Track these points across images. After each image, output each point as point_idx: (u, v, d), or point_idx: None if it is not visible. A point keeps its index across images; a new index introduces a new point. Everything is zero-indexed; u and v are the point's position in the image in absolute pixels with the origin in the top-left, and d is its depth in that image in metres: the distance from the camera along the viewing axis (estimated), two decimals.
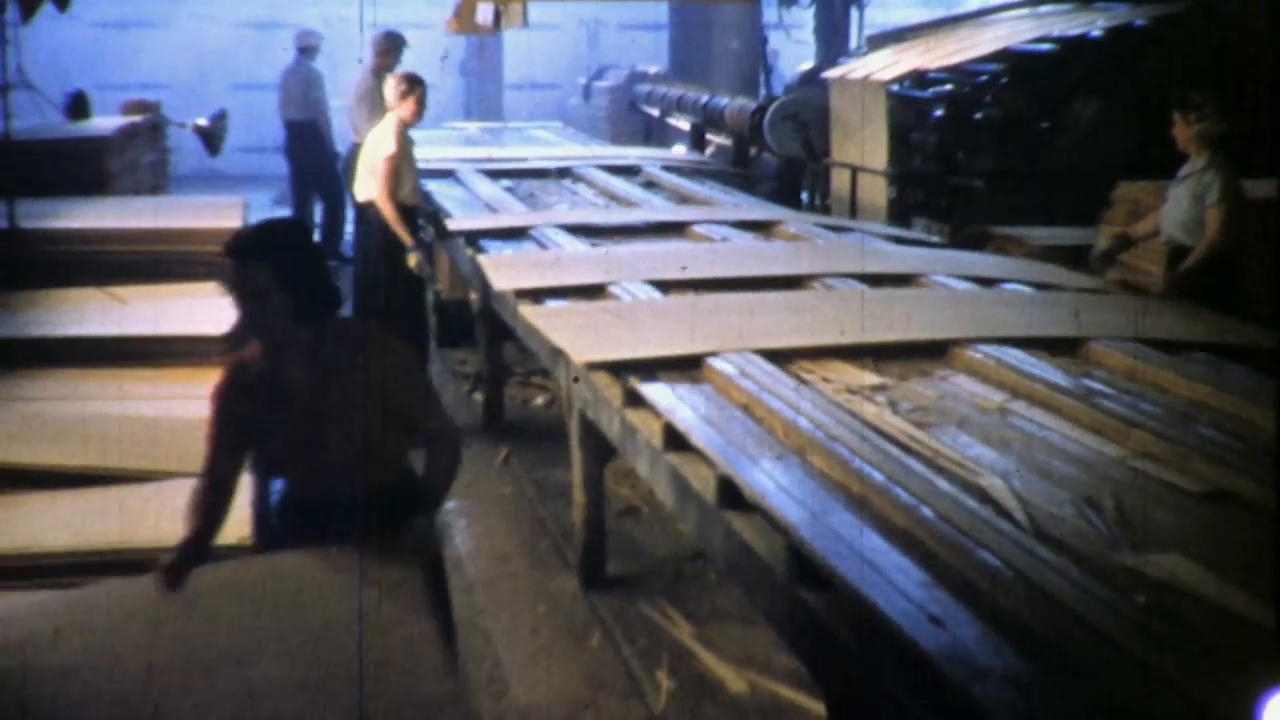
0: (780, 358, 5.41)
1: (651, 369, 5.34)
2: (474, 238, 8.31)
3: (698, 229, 8.43)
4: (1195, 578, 3.41)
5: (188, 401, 5.32)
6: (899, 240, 8.08)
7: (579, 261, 7.47)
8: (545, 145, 13.63)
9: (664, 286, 6.76)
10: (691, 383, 5.20)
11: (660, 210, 9.32)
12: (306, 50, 14.23)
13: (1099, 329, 5.74)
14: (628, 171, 11.18)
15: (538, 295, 6.81)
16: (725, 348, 5.45)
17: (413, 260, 8.22)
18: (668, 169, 11.20)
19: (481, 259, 7.65)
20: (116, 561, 3.90)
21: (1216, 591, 3.33)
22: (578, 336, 5.83)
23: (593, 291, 6.75)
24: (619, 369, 5.39)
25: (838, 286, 6.67)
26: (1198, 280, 6.43)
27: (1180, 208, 6.60)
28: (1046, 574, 3.41)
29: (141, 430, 4.91)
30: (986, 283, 6.84)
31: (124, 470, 4.55)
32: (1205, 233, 6.48)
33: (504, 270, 7.36)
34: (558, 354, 6.08)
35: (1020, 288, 6.74)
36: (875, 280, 6.82)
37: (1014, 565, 3.47)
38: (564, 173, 11.14)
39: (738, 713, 5.29)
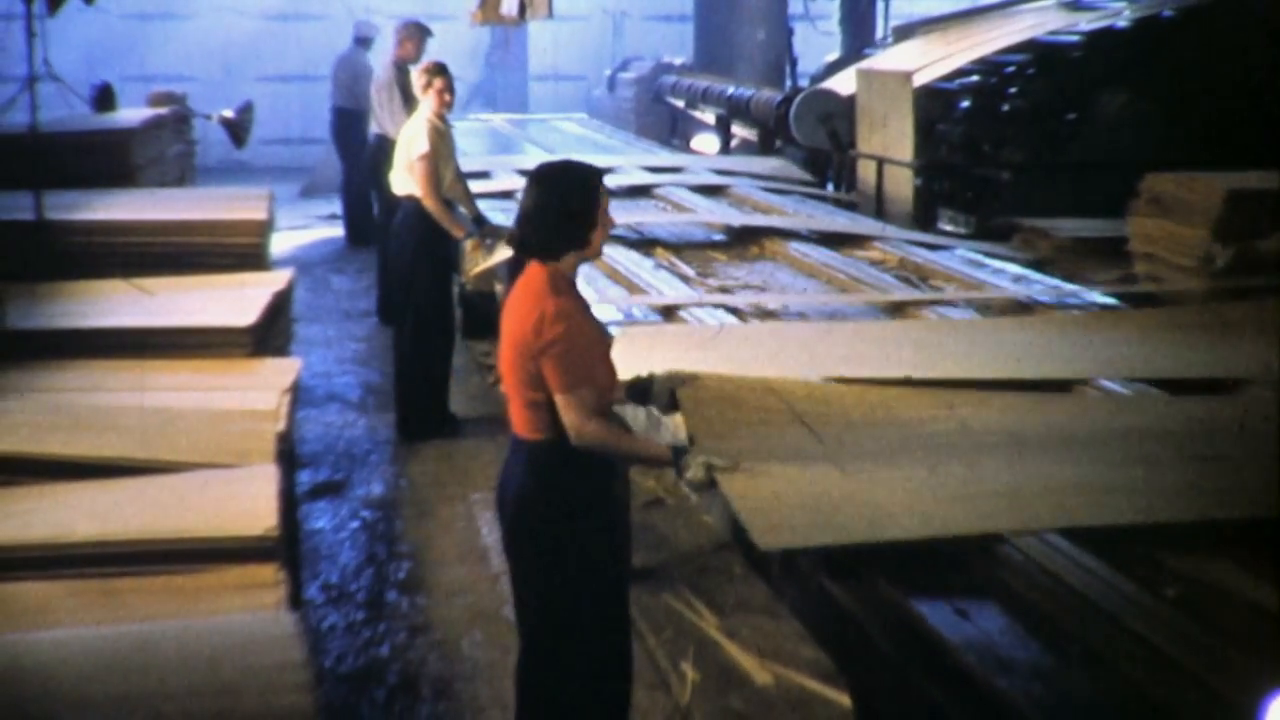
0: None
1: None
2: None
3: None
4: (1223, 571, 3.40)
5: (213, 393, 5.34)
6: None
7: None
8: (603, 152, 12.67)
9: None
10: None
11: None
12: (362, 41, 14.40)
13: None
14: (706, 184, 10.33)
15: None
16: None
17: (470, 246, 8.20)
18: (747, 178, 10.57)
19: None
20: (141, 552, 3.91)
21: (1245, 586, 3.31)
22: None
23: None
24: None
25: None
26: None
27: None
28: (1072, 568, 3.40)
29: (167, 421, 4.91)
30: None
31: (149, 461, 4.55)
32: None
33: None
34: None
35: None
36: None
37: (1039, 558, 3.46)
38: (640, 190, 10.15)
39: (763, 704, 5.29)
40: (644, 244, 8.13)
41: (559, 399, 4.01)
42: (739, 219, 8.72)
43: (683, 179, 10.34)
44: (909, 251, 7.61)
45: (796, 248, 7.70)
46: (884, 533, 3.52)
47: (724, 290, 6.86)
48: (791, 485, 3.77)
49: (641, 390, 4.34)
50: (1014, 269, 7.17)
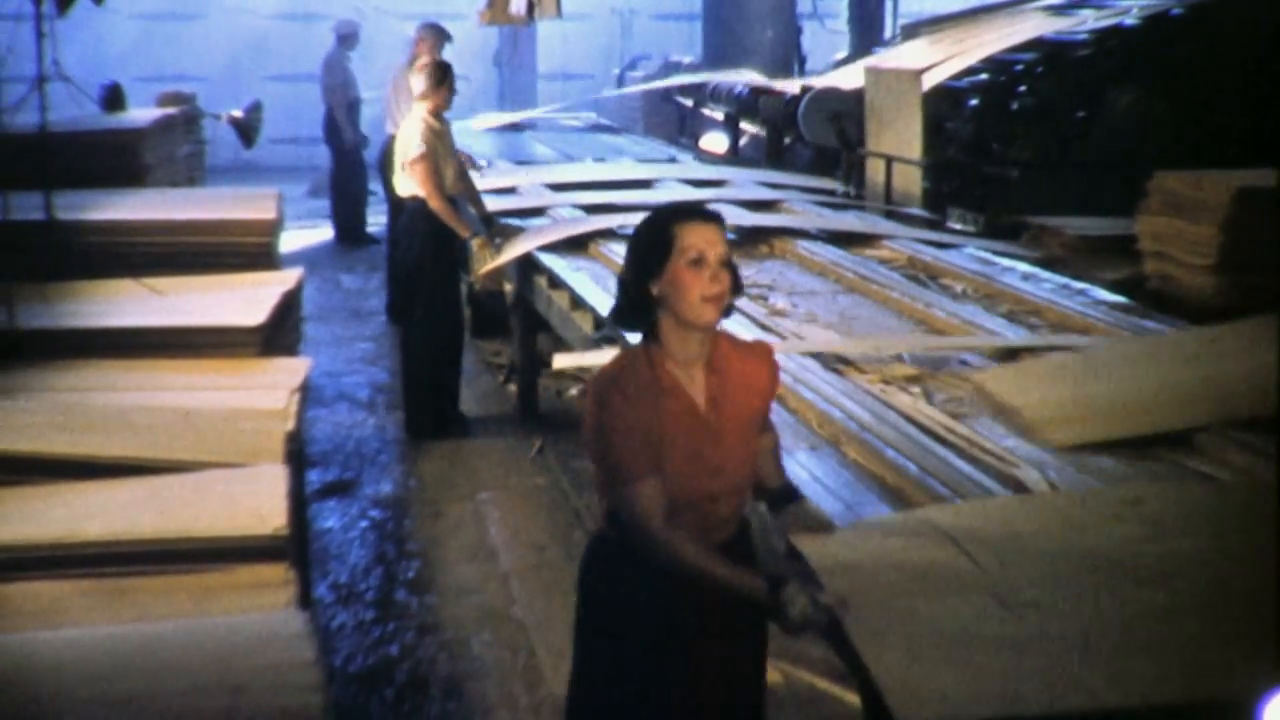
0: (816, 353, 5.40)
1: None
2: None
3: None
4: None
5: (223, 392, 5.34)
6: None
7: None
8: (638, 163, 11.75)
9: None
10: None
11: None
12: (344, 39, 14.56)
13: None
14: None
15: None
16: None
17: (476, 245, 8.24)
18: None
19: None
20: (151, 551, 3.91)
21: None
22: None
23: None
24: None
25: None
26: None
27: None
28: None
29: (177, 421, 4.92)
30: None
31: (160, 460, 4.55)
32: None
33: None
34: None
35: None
36: None
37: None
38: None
39: (772, 703, 5.28)
40: None
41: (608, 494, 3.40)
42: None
43: (729, 194, 9.57)
44: (917, 250, 7.59)
45: (806, 246, 7.74)
46: (1066, 700, 2.77)
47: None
48: (937, 631, 3.02)
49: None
50: (1023, 267, 7.16)
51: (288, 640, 3.33)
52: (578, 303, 6.84)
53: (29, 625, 3.55)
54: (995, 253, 7.59)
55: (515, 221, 8.71)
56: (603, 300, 6.36)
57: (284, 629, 3.42)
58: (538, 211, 9.07)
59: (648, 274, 3.25)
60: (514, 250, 8.06)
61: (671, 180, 10.25)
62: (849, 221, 8.59)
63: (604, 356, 5.52)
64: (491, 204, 8.78)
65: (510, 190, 9.84)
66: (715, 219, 3.31)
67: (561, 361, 6.17)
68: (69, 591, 3.77)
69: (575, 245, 7.86)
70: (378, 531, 7.10)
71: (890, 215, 9.09)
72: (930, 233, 8.26)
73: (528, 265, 8.05)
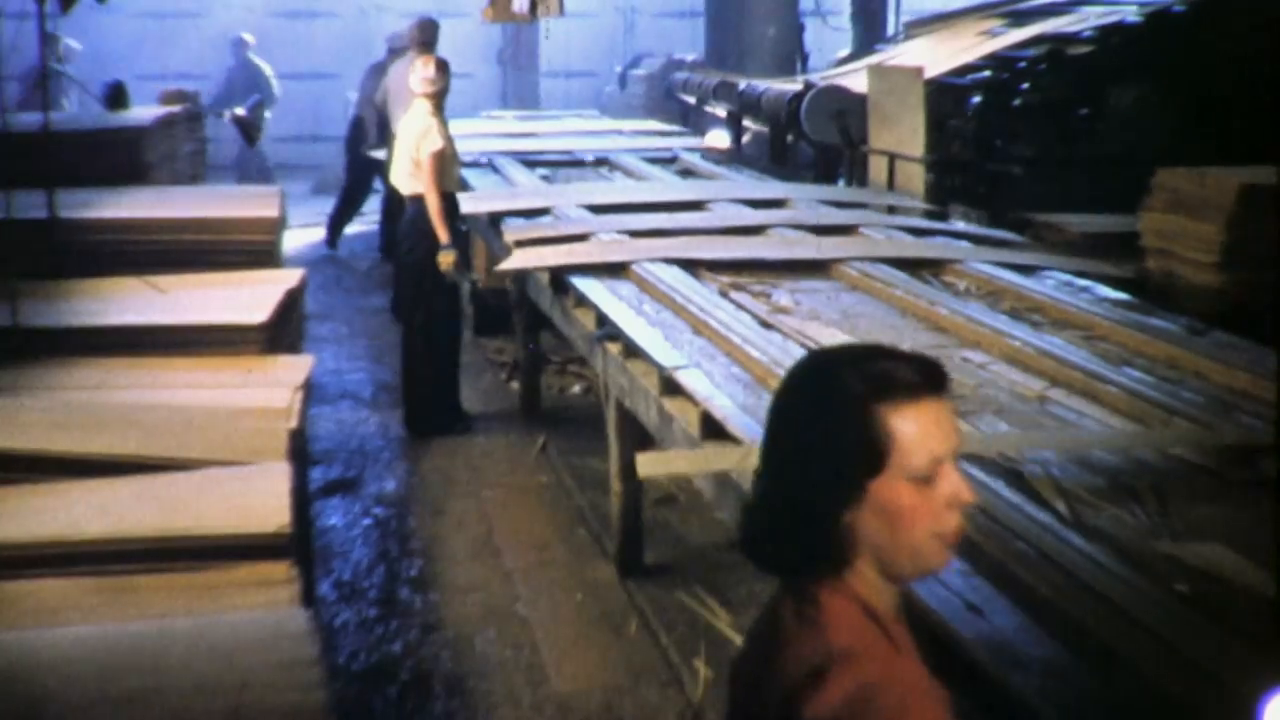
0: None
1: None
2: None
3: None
4: (1237, 567, 3.39)
5: (226, 390, 5.34)
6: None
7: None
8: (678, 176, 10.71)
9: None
10: (729, 369, 5.18)
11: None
12: (396, 52, 14.21)
13: None
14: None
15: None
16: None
17: (445, 260, 8.15)
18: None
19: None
20: (154, 549, 3.91)
21: (1258, 581, 3.30)
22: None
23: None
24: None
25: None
26: None
27: None
28: (1086, 563, 3.39)
29: (180, 419, 4.92)
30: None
31: (163, 459, 4.55)
32: None
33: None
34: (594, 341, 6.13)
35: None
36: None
37: (1053, 554, 3.46)
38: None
39: None
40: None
41: None
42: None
43: (792, 216, 8.39)
44: (996, 275, 6.77)
45: (874, 272, 6.76)
46: None
47: None
48: None
49: None
50: (1114, 294, 6.46)
51: (290, 638, 3.33)
52: (632, 350, 5.79)
53: (32, 623, 3.55)
54: (1084, 275, 6.87)
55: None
56: (663, 350, 5.47)
57: (287, 627, 3.42)
58: (579, 238, 7.64)
59: (840, 498, 2.04)
60: (542, 261, 7.36)
61: (724, 201, 8.88)
62: (936, 248, 7.46)
63: (701, 459, 4.60)
64: (525, 231, 7.84)
65: (544, 212, 8.52)
66: (943, 386, 2.09)
67: (649, 467, 4.68)
68: (72, 590, 3.77)
69: (614, 267, 6.93)
70: (380, 529, 7.10)
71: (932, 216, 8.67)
72: (1009, 253, 7.41)
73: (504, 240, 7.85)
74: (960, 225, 8.39)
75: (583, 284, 6.66)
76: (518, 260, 7.28)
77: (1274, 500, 3.69)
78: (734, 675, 2.25)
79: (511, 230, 7.82)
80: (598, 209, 8.46)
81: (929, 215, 8.67)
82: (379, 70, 14.02)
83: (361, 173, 14.20)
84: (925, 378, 2.06)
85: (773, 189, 9.61)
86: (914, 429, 2.01)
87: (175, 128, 10.15)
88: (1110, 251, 7.44)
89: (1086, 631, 3.13)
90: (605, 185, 10.16)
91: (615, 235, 7.61)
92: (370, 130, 13.78)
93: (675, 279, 6.49)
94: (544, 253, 7.36)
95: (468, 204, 8.67)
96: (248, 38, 15.20)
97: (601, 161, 11.27)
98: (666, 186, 9.83)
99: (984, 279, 6.74)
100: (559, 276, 7.06)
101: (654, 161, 11.11)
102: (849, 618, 2.05)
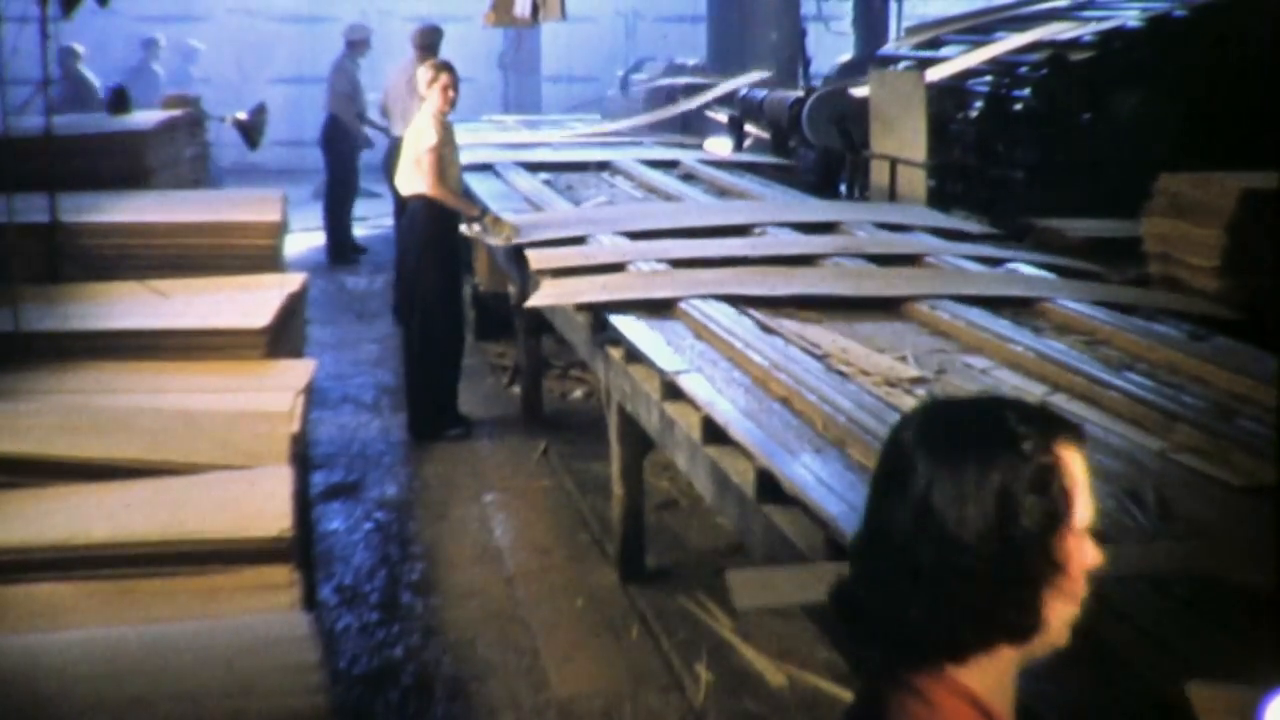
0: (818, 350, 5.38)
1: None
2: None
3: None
4: (1237, 571, 3.39)
5: (227, 394, 5.34)
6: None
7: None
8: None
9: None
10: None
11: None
12: (354, 45, 14.35)
13: None
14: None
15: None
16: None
17: (489, 220, 7.91)
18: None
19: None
20: (156, 553, 3.91)
21: (1258, 584, 3.30)
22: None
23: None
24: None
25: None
26: None
27: None
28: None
29: (182, 423, 4.92)
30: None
31: (165, 463, 4.56)
32: None
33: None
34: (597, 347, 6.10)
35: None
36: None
37: None
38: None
39: (777, 706, 5.29)
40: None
41: None
42: None
43: (848, 243, 7.55)
44: (1088, 314, 5.99)
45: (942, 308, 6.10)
46: None
47: None
48: None
49: None
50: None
51: (292, 642, 3.33)
52: (634, 355, 5.64)
53: (34, 627, 3.55)
54: (1190, 319, 5.99)
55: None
56: (664, 354, 5.34)
57: (289, 631, 3.42)
58: (613, 268, 6.95)
59: (1037, 561, 1.77)
60: (576, 295, 6.63)
61: (772, 225, 8.03)
62: (1015, 284, 6.67)
63: (809, 579, 3.66)
64: (554, 258, 7.18)
65: (580, 240, 7.74)
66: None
67: (748, 598, 3.73)
68: (74, 593, 3.78)
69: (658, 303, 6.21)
70: (382, 533, 7.10)
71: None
72: (1101, 289, 6.69)
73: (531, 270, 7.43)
74: (1034, 255, 7.39)
75: (623, 324, 5.93)
76: (549, 295, 6.62)
77: (1274, 503, 3.68)
78: None
79: (539, 257, 7.20)
80: (635, 235, 7.75)
81: (992, 239, 7.96)
82: (342, 66, 14.11)
83: (342, 171, 14.25)
84: (1076, 429, 1.85)
85: (819, 209, 8.91)
86: (1081, 473, 1.81)
87: (177, 132, 10.16)
88: (1112, 257, 7.44)
89: (1085, 634, 3.13)
90: (638, 209, 9.14)
91: (654, 265, 6.87)
92: (352, 126, 13.85)
93: (729, 319, 5.77)
94: (578, 286, 6.60)
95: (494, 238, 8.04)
96: (78, 48, 14.82)
97: (603, 166, 11.20)
98: (705, 209, 9.00)
99: (1075, 317, 5.98)
100: (598, 313, 6.28)
101: (656, 165, 11.03)
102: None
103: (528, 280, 7.90)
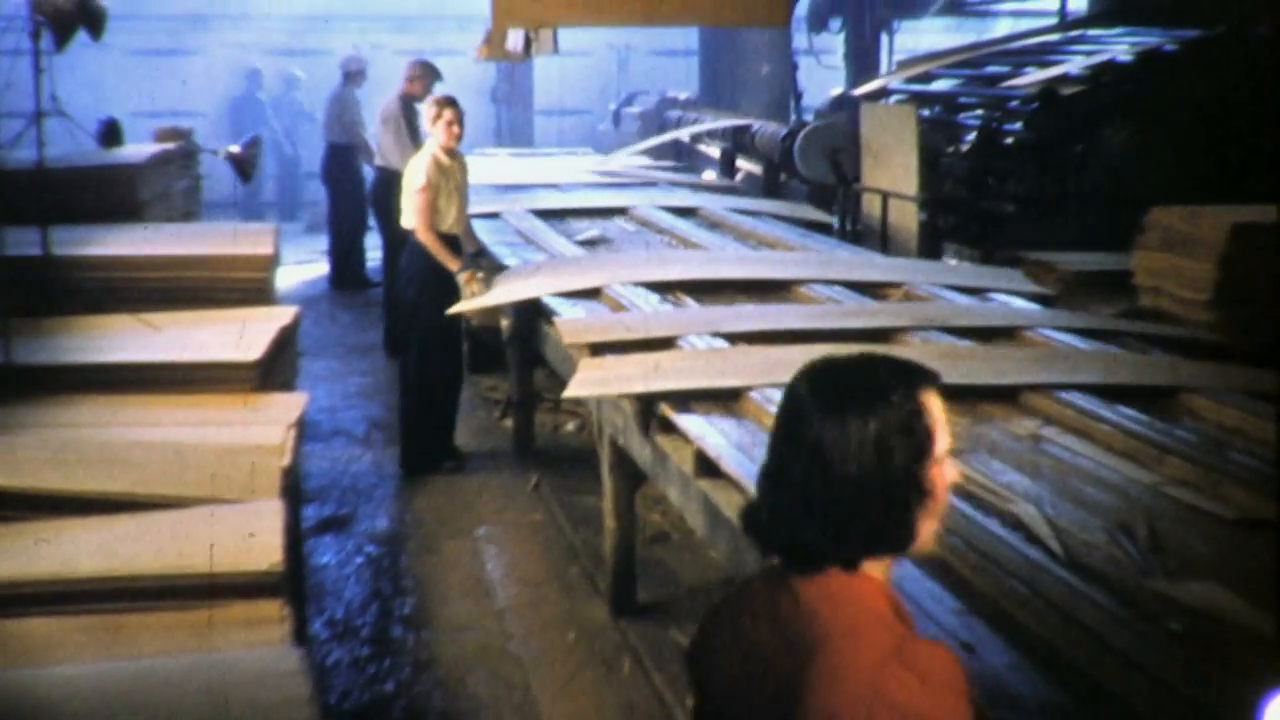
0: None
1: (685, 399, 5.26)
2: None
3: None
4: (1230, 605, 3.38)
5: (219, 428, 5.34)
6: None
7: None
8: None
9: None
10: (725, 411, 5.14)
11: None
12: (350, 76, 14.33)
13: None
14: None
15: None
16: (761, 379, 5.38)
17: (464, 279, 7.98)
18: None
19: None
20: (146, 587, 3.90)
21: (1252, 619, 3.30)
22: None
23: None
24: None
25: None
26: None
27: None
28: (1079, 601, 3.39)
29: (173, 456, 4.92)
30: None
31: (156, 496, 4.55)
32: None
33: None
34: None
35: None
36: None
37: (1046, 593, 3.45)
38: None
39: None
40: None
41: None
42: None
43: (928, 313, 6.55)
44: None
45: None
46: None
47: None
48: None
49: None
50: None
51: (283, 677, 3.32)
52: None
53: (24, 662, 3.54)
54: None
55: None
56: (725, 447, 4.69)
57: (279, 665, 3.41)
58: (662, 343, 6.04)
59: (911, 487, 2.19)
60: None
61: (821, 283, 7.23)
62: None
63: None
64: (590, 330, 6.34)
65: (595, 293, 7.16)
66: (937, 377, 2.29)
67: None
68: (64, 628, 3.76)
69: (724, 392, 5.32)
70: (373, 567, 7.09)
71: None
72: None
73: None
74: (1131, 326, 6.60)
75: (692, 425, 4.97)
76: (590, 382, 5.62)
77: (1269, 537, 3.69)
78: (721, 653, 2.35)
79: (571, 329, 6.34)
80: (656, 285, 7.09)
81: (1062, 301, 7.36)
82: (340, 97, 14.09)
83: (347, 201, 14.17)
84: (934, 374, 2.27)
85: (877, 267, 7.91)
86: (940, 412, 2.22)
87: (169, 165, 10.16)
88: (1103, 290, 7.46)
89: (1079, 670, 3.13)
90: (655, 255, 8.44)
91: (710, 340, 5.97)
92: (362, 151, 13.79)
93: None
94: (625, 369, 5.63)
95: (503, 294, 7.60)
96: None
97: (618, 211, 10.46)
98: (744, 260, 8.14)
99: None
100: (650, 404, 5.38)
101: (675, 211, 10.12)
102: (872, 595, 2.21)
103: (520, 315, 7.94)
